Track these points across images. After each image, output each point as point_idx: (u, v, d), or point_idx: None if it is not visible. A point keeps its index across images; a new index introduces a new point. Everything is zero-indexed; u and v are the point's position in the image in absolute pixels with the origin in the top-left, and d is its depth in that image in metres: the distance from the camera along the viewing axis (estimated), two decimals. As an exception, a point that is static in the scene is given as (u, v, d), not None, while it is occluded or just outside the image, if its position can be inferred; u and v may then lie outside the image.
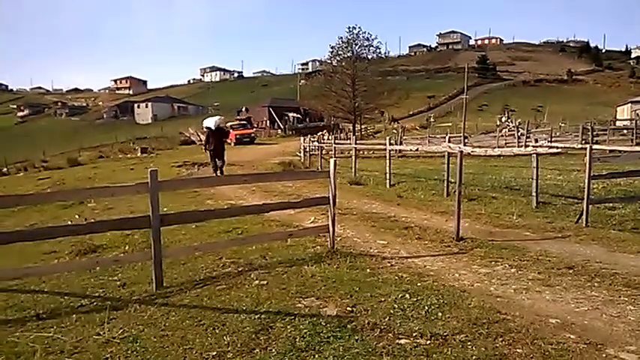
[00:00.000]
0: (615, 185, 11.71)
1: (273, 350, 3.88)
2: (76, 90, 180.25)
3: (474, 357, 3.67)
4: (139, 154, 36.76)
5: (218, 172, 17.38)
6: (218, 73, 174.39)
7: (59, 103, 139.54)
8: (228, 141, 39.80)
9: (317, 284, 5.41)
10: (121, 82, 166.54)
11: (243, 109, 77.94)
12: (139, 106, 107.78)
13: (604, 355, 3.69)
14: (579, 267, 5.96)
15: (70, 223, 9.11)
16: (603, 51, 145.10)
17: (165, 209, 7.83)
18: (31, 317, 4.74)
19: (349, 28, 47.68)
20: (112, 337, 4.19)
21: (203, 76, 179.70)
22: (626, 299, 4.84)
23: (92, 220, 8.43)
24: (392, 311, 4.58)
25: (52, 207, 11.97)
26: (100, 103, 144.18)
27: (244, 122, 53.07)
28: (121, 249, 7.50)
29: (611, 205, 9.77)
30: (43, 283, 5.87)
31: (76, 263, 6.61)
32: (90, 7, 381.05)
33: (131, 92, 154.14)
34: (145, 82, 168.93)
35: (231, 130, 42.49)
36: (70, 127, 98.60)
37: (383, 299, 4.90)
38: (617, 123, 45.35)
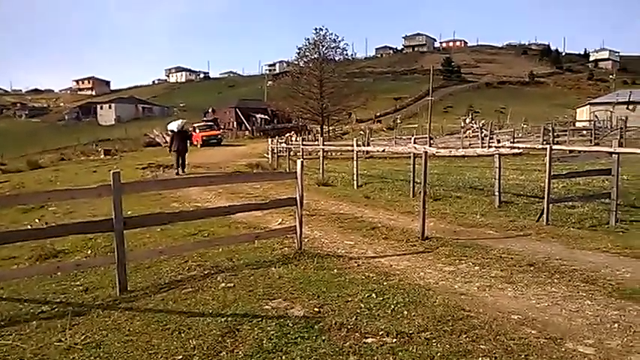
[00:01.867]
0: (575, 184, 12.09)
1: (240, 353, 3.86)
2: (37, 91, 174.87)
3: (438, 354, 3.74)
4: (102, 157, 35.93)
5: (179, 171, 19.36)
6: (184, 73, 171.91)
7: (18, 104, 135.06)
8: (195, 142, 39.64)
9: (284, 286, 5.41)
10: (83, 83, 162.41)
11: (210, 110, 77.19)
12: (101, 107, 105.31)
13: (563, 349, 3.80)
14: (540, 264, 6.13)
15: (29, 227, 8.87)
16: (563, 54, 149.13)
17: (129, 212, 7.68)
18: (-11, 325, 4.59)
19: (316, 29, 47.82)
20: (74, 344, 4.09)
21: (168, 76, 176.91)
22: (584, 295, 5.00)
23: (53, 224, 8.22)
24: (359, 311, 4.62)
25: (11, 211, 11.59)
26: (62, 104, 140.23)
27: (211, 123, 52.52)
28: (84, 253, 7.34)
29: (570, 203, 10.09)
30: (1, 289, 5.68)
31: (37, 268, 6.42)
32: (49, 4, 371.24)
33: (94, 93, 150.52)
34: (108, 83, 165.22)
35: (195, 132, 42.12)
36: (31, 129, 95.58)
37: (350, 299, 4.93)
38: (577, 124, 46.83)
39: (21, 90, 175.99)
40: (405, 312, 4.57)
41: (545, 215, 8.72)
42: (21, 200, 8.06)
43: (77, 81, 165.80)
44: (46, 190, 10.76)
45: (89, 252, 7.38)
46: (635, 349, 3.78)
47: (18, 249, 7.29)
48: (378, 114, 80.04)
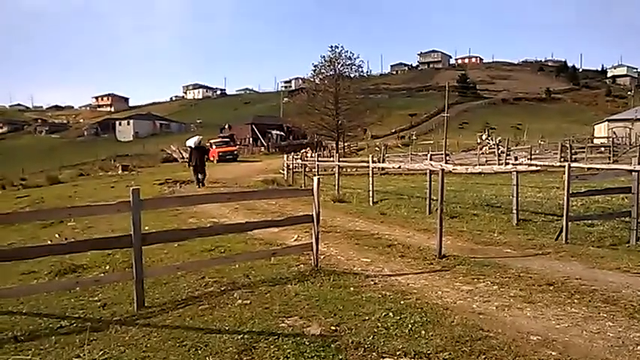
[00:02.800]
0: (594, 202, 11.92)
1: (257, 371, 3.85)
2: (57, 107, 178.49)
3: (457, 375, 3.69)
4: (120, 172, 36.39)
5: (200, 184, 20.53)
6: (201, 90, 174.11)
7: (39, 120, 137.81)
8: (211, 158, 40.01)
9: (300, 303, 5.40)
10: (102, 99, 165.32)
11: (226, 127, 77.95)
12: (120, 124, 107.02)
13: (585, 372, 3.73)
14: (559, 283, 6.03)
15: (49, 242, 8.98)
16: (580, 70, 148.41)
17: (146, 228, 7.75)
18: (9, 339, 4.64)
19: (331, 47, 48.30)
20: (92, 359, 4.12)
21: (185, 93, 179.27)
22: (605, 316, 4.91)
23: (72, 240, 8.33)
24: (375, 330, 4.59)
25: (31, 226, 11.78)
26: (81, 120, 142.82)
27: (227, 139, 52.99)
28: (102, 269, 7.39)
29: (589, 222, 9.96)
30: (21, 304, 5.74)
31: (56, 283, 6.49)
32: (71, 23, 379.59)
33: (112, 109, 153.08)
34: (126, 99, 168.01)
35: (212, 148, 42.52)
36: (50, 145, 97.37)
37: (367, 318, 4.90)
38: (595, 141, 46.32)
39: (42, 106, 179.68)
40: (423, 332, 4.53)
41: (564, 233, 8.61)
42: (42, 216, 8.20)
43: (96, 97, 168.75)
44: (66, 207, 10.91)
45: (107, 267, 7.43)
46: (659, 373, 3.70)
47: (37, 264, 7.38)
48: (396, 129, 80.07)
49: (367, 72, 58.33)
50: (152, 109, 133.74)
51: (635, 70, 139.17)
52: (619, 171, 10.36)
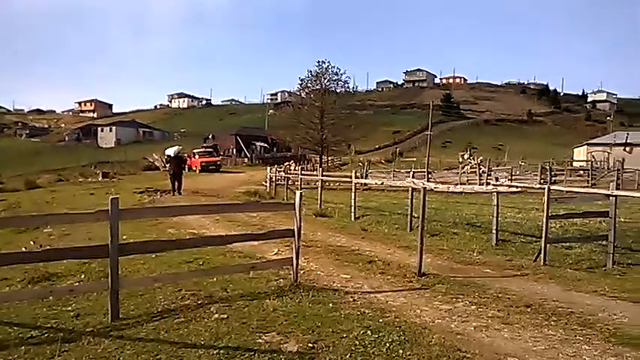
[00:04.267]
0: (572, 225, 12.08)
1: (231, 387, 3.78)
2: (39, 111, 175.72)
3: (433, 396, 3.67)
4: (100, 179, 35.89)
5: (175, 192, 21.42)
6: (186, 99, 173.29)
7: (20, 124, 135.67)
8: (193, 168, 39.77)
9: (278, 319, 5.35)
10: (85, 105, 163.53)
11: (210, 137, 77.71)
12: (102, 130, 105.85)
13: (560, 396, 3.74)
14: (537, 305, 6.07)
15: (24, 249, 8.79)
16: (561, 94, 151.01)
17: (124, 237, 7.63)
18: (-24, 349, 4.51)
19: (319, 62, 48.41)
20: (63, 372, 4.01)
21: (170, 102, 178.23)
22: (581, 339, 4.95)
23: (48, 247, 8.17)
24: (353, 348, 4.56)
25: (6, 232, 11.49)
26: (63, 125, 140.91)
27: (210, 149, 52.79)
28: (77, 278, 7.23)
29: (567, 244, 10.07)
30: (-9, 312, 5.59)
31: (29, 292, 6.34)
32: (54, 27, 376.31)
33: (95, 115, 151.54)
34: (110, 106, 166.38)
35: (194, 158, 42.32)
36: (31, 149, 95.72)
37: (345, 335, 4.87)
38: (574, 164, 47.11)
39: (23, 109, 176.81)
40: (401, 351, 4.51)
41: (542, 255, 8.69)
42: (18, 222, 8.03)
43: (79, 103, 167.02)
44: (44, 214, 10.71)
45: (83, 276, 7.28)
46: (633, 398, 3.72)
47: (10, 271, 7.17)
48: (377, 146, 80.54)
49: (353, 88, 58.37)
50: (136, 117, 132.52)
51: (614, 97, 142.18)
52: (597, 195, 10.51)
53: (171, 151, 22.65)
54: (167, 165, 23.15)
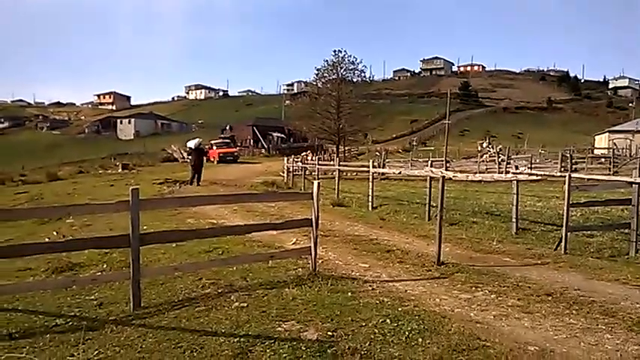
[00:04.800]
0: (593, 213, 11.90)
1: (252, 375, 3.82)
2: (58, 104, 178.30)
3: (453, 384, 3.67)
4: (119, 170, 36.30)
5: (195, 183, 22.07)
6: (203, 91, 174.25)
7: (40, 117, 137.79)
8: (211, 159, 40.00)
9: (298, 307, 5.38)
10: (104, 97, 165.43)
11: (227, 128, 77.98)
12: (121, 122, 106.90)
13: (582, 384, 3.71)
14: (558, 294, 6.01)
15: (47, 240, 8.95)
16: (582, 81, 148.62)
17: (145, 227, 7.74)
18: (4, 337, 4.61)
19: (335, 51, 48.12)
20: (87, 359, 4.10)
21: (188, 93, 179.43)
22: (604, 327, 4.89)
23: (70, 238, 8.30)
24: (372, 336, 4.57)
25: (29, 223, 11.73)
26: (82, 117, 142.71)
27: (228, 141, 53.06)
28: (99, 267, 7.36)
29: (589, 232, 9.93)
30: (16, 301, 5.70)
31: (52, 281, 6.46)
32: (74, 20, 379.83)
33: (114, 108, 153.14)
34: (128, 98, 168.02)
35: (212, 149, 42.57)
36: (51, 141, 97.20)
37: (364, 324, 4.88)
38: (595, 151, 46.33)
39: (43, 103, 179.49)
40: (420, 339, 4.50)
41: (563, 244, 8.59)
42: (40, 213, 8.17)
43: (98, 95, 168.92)
44: (65, 204, 10.87)
45: (105, 266, 7.40)
46: (657, 387, 3.67)
47: (34, 261, 7.33)
48: (395, 136, 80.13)
49: (370, 77, 57.90)
50: (154, 109, 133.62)
51: (636, 82, 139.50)
52: (619, 182, 10.35)
53: (192, 144, 23.42)
54: (189, 157, 24.35)
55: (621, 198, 10.40)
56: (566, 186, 8.73)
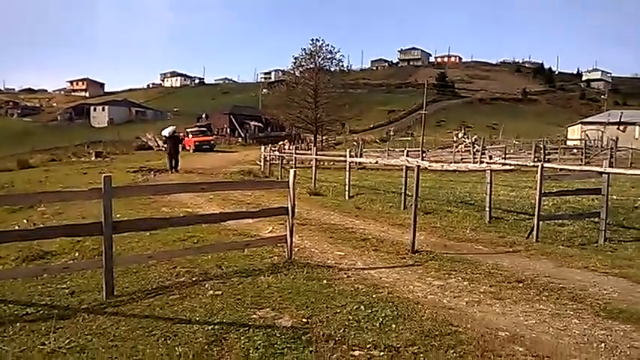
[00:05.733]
0: (565, 202, 12.15)
1: (226, 362, 3.82)
2: (30, 90, 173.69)
3: (425, 369, 3.72)
4: (93, 158, 35.68)
5: (172, 170, 22.23)
6: (179, 78, 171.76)
7: (11, 103, 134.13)
8: (187, 147, 39.59)
9: (273, 295, 5.38)
10: (77, 84, 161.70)
11: (203, 116, 77.24)
12: (95, 109, 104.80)
13: (550, 368, 3.80)
14: (529, 281, 6.14)
15: (17, 227, 8.77)
16: (556, 73, 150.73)
17: (118, 215, 7.63)
18: (-28, 326, 4.52)
19: (313, 40, 47.96)
20: (58, 347, 4.04)
21: (163, 80, 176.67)
22: (572, 313, 5.02)
23: (41, 225, 8.15)
24: (347, 323, 4.61)
25: (-1, 210, 11.50)
26: (55, 104, 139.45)
27: (204, 129, 52.52)
28: (71, 255, 7.25)
29: (560, 221, 10.14)
30: (-15, 290, 5.60)
31: (23, 270, 6.34)
32: (44, 4, 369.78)
33: (87, 94, 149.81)
34: (102, 85, 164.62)
35: (188, 137, 42.12)
36: (22, 128, 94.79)
37: (338, 311, 4.91)
38: (568, 142, 47.25)
39: (14, 89, 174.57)
40: (394, 325, 4.56)
41: (535, 232, 8.76)
42: (11, 200, 7.99)
43: (71, 82, 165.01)
44: (36, 192, 10.66)
45: (77, 254, 7.30)
46: (621, 370, 3.79)
47: (4, 249, 7.20)
48: (372, 126, 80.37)
49: (347, 66, 58.20)
50: (128, 96, 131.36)
51: (609, 75, 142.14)
52: (590, 172, 10.56)
53: (166, 132, 23.71)
54: (164, 145, 24.91)
55: (592, 188, 10.63)
56: (539, 176, 8.89)
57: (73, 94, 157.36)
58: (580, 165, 22.46)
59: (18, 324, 4.55)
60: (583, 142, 38.22)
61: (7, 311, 4.95)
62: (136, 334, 4.34)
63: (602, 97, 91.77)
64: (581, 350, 4.14)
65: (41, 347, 4.06)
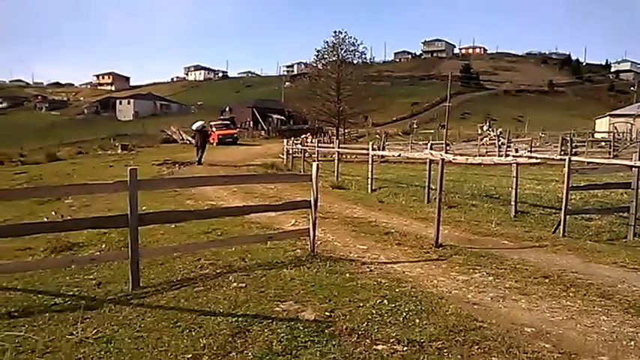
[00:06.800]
0: (592, 197, 11.90)
1: (250, 354, 3.85)
2: (57, 84, 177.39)
3: (450, 364, 3.69)
4: (119, 151, 36.26)
5: (198, 163, 23.04)
6: (202, 72, 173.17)
7: (39, 97, 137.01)
8: (210, 140, 39.93)
9: (296, 288, 5.40)
10: (103, 78, 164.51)
11: (227, 109, 77.67)
12: (120, 103, 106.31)
13: (577, 365, 3.73)
14: (555, 276, 6.03)
15: (46, 219, 8.96)
16: (584, 64, 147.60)
17: (144, 208, 7.74)
18: (3, 315, 4.64)
19: (335, 32, 47.61)
20: (86, 337, 4.12)
21: (187, 74, 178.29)
22: (600, 310, 4.92)
23: (69, 218, 8.30)
24: (370, 317, 4.59)
25: (28, 203, 11.72)
26: (81, 98, 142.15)
27: (227, 122, 52.77)
28: (98, 247, 7.38)
29: (587, 216, 9.95)
30: (15, 280, 5.73)
31: (51, 261, 6.48)
32: (73, 2, 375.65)
33: (113, 88, 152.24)
34: (127, 79, 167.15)
35: (213, 131, 42.41)
36: (50, 122, 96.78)
37: (361, 304, 4.90)
38: (596, 135, 46.21)
39: (42, 83, 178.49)
40: (417, 320, 4.53)
41: (561, 227, 8.60)
42: (40, 193, 8.15)
43: (97, 76, 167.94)
44: (64, 185, 10.85)
45: (103, 246, 7.43)
46: (651, 368, 3.70)
47: (33, 240, 7.35)
48: (395, 118, 79.83)
49: (370, 59, 57.70)
50: (153, 90, 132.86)
51: (638, 66, 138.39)
52: (619, 166, 10.33)
53: (195, 126, 25.03)
54: (193, 138, 26.09)
55: (621, 182, 10.39)
56: (566, 169, 8.71)
57: (99, 87, 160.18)
58: (608, 158, 21.97)
59: (47, 314, 4.65)
60: (611, 134, 37.34)
61: (37, 301, 5.06)
62: (161, 325, 4.40)
63: (632, 88, 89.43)
64: (610, 348, 4.05)
65: (69, 337, 4.14)
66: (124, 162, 24.40)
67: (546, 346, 4.06)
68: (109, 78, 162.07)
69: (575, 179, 9.43)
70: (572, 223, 9.22)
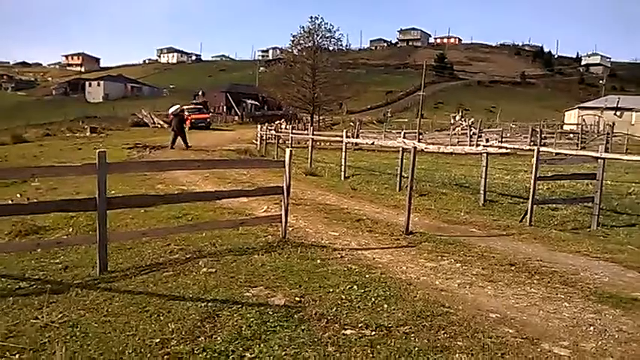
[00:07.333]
0: (559, 187, 12.20)
1: (219, 338, 3.85)
2: (24, 64, 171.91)
3: (416, 349, 3.76)
4: (88, 134, 35.44)
5: (173, 147, 22.92)
6: (175, 54, 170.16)
7: (5, 76, 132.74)
8: (187, 124, 39.36)
9: (266, 273, 5.40)
10: (72, 59, 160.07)
11: (200, 93, 76.62)
12: (90, 84, 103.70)
13: (539, 350, 3.85)
14: (521, 264, 6.18)
15: (11, 202, 8.74)
16: (556, 56, 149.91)
17: (113, 192, 7.63)
18: (-36, 299, 4.52)
19: (311, 17, 47.31)
20: (51, 322, 4.05)
21: (159, 57, 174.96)
22: (563, 296, 5.06)
23: (35, 200, 8.12)
24: (339, 302, 4.63)
25: (-7, 185, 11.43)
26: (50, 78, 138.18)
27: (200, 106, 52.09)
28: (65, 231, 7.24)
29: (554, 205, 10.19)
30: (-22, 263, 5.60)
31: (16, 244, 6.34)
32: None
33: (83, 69, 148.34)
34: (97, 60, 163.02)
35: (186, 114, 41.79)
36: (17, 102, 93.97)
37: (331, 290, 4.94)
38: (565, 127, 47.23)
39: (8, 62, 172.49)
40: (385, 305, 4.59)
41: (528, 216, 8.80)
42: (5, 175, 7.93)
43: (66, 56, 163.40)
44: (30, 166, 10.58)
45: (70, 230, 7.29)
46: (609, 353, 3.84)
47: (-3, 223, 7.18)
48: (369, 107, 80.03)
49: (346, 46, 57.64)
50: (124, 72, 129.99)
51: (608, 60, 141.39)
52: (586, 157, 10.58)
53: (172, 110, 25.02)
54: (169, 121, 26.53)
55: (587, 172, 10.67)
56: (535, 159, 8.89)
57: (68, 68, 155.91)
58: (576, 150, 22.50)
59: (11, 298, 4.56)
60: (580, 127, 38.21)
61: (0, 285, 4.95)
62: (129, 309, 4.36)
63: (601, 82, 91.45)
64: (570, 333, 4.18)
65: (34, 321, 4.07)
66: (93, 145, 23.91)
67: (510, 331, 4.17)
68: (78, 59, 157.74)
69: (543, 169, 9.64)
70: (539, 212, 9.44)
